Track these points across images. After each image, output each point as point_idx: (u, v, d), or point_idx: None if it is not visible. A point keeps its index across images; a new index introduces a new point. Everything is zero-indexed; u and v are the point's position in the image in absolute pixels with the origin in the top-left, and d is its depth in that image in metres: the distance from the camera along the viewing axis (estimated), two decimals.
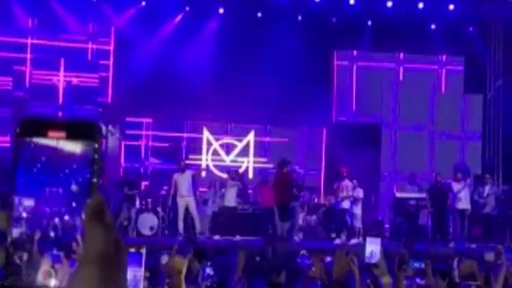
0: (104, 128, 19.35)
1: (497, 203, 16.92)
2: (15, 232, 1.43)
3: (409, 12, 20.12)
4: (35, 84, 18.96)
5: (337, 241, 16.49)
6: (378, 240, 4.03)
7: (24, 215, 1.39)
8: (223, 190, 17.89)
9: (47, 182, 1.38)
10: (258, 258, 13.91)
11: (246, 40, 19.34)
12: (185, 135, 20.61)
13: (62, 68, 18.94)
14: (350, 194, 17.12)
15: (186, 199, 16.07)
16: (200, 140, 20.58)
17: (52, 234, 1.42)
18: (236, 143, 20.70)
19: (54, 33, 19.18)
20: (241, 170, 17.91)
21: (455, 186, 16.73)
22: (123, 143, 19.99)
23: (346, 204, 17.08)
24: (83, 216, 1.33)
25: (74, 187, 1.38)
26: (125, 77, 18.81)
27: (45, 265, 1.34)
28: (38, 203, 1.39)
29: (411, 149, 20.60)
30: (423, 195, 17.57)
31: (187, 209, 16.14)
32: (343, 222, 17.19)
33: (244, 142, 20.70)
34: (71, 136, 1.40)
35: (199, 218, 16.47)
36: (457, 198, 16.54)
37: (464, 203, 16.47)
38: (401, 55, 21.60)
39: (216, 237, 16.51)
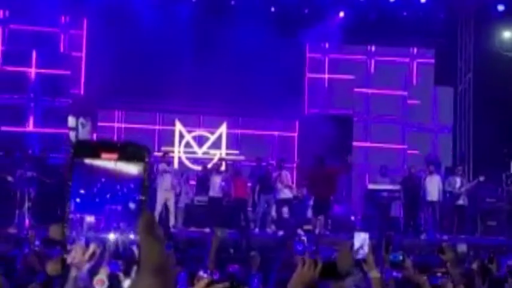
0: (79, 121, 19.27)
1: (469, 195, 17.11)
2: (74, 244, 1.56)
3: (381, 5, 20.25)
4: (6, 76, 18.72)
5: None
6: (366, 235, 4.04)
7: (82, 230, 1.51)
8: (192, 182, 17.94)
9: (101, 200, 1.50)
10: (232, 251, 13.96)
11: (218, 32, 19.30)
12: (157, 127, 20.56)
13: (33, 60, 18.74)
14: (290, 184, 17.13)
15: (168, 193, 16.02)
16: (172, 132, 20.55)
17: (111, 247, 1.52)
18: (208, 135, 20.70)
19: (26, 25, 18.99)
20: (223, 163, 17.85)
21: (427, 179, 16.89)
22: (94, 136, 19.85)
23: (286, 194, 17.02)
24: (138, 231, 1.45)
25: (127, 205, 1.49)
26: (98, 69, 18.66)
27: (100, 275, 1.43)
28: (95, 219, 1.51)
29: (383, 141, 20.77)
30: (395, 187, 17.73)
31: (164, 203, 16.06)
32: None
33: (217, 134, 20.72)
34: (122, 157, 1.51)
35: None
36: (426, 190, 16.72)
37: (433, 195, 16.65)
38: (373, 48, 21.74)
39: (191, 229, 16.49)
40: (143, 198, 1.50)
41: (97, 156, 1.52)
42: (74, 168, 1.53)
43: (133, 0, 19.47)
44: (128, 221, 1.51)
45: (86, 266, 1.44)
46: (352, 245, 3.84)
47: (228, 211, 17.00)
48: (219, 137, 20.76)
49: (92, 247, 1.48)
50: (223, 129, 20.78)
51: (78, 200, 1.50)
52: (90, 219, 1.51)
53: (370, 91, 21.19)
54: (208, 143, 20.69)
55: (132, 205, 1.49)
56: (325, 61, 21.59)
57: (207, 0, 19.93)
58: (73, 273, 1.45)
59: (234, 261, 10.41)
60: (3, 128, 18.05)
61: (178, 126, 20.56)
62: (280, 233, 16.32)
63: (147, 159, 1.52)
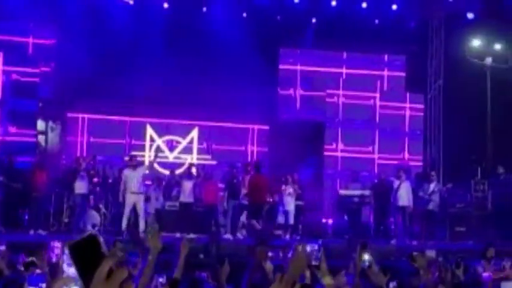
0: (49, 125, 19.04)
1: (440, 200, 17.14)
2: None
3: (353, 12, 20.29)
4: None
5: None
6: (319, 241, 4.01)
7: None
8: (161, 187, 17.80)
9: None
10: (202, 256, 13.84)
11: (190, 37, 19.24)
12: (127, 132, 20.38)
13: (1, 62, 18.45)
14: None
15: (136, 196, 15.74)
16: (143, 136, 20.38)
17: None
18: (180, 140, 20.57)
19: None
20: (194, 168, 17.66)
21: (397, 184, 16.87)
22: (64, 139, 19.65)
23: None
24: None
25: None
26: (67, 72, 18.39)
27: None
28: None
29: (354, 147, 20.81)
30: (366, 192, 17.75)
31: (133, 207, 15.80)
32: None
33: (188, 139, 20.59)
34: None
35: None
36: (397, 195, 16.69)
37: (404, 200, 16.62)
38: (345, 54, 21.77)
39: (161, 234, 16.25)
40: None
41: None
42: None
43: (105, 6, 19.30)
44: None
45: None
46: (306, 249, 3.77)
47: (198, 216, 16.85)
48: (191, 142, 20.64)
49: None
50: (194, 134, 20.65)
51: None
52: None
53: (342, 97, 21.20)
54: (180, 148, 20.56)
55: None
56: (297, 67, 21.56)
57: (179, 7, 19.80)
58: None
59: (203, 267, 10.31)
60: None
61: (149, 131, 20.40)
62: (250, 238, 16.17)
63: None
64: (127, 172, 15.90)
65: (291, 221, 16.95)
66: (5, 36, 18.82)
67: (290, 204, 16.96)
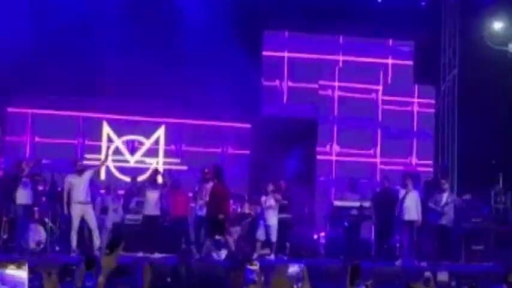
0: None
1: (455, 214, 17.11)
2: None
3: None
4: None
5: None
6: (302, 261, 4.10)
7: None
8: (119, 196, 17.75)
9: None
10: (169, 279, 13.77)
11: (156, 17, 19.19)
12: (80, 129, 20.29)
13: None
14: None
15: (83, 206, 15.63)
16: (99, 136, 20.29)
17: None
18: (143, 140, 20.52)
19: None
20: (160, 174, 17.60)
21: (403, 194, 16.86)
22: (2, 139, 19.55)
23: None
24: None
25: None
26: (5, 60, 18.15)
27: None
28: None
29: (352, 149, 20.85)
30: (366, 204, 17.74)
31: (83, 219, 15.70)
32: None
33: (153, 140, 20.54)
34: None
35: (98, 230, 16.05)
36: (403, 207, 16.67)
37: (412, 214, 16.63)
38: (341, 38, 21.78)
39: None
40: None
41: None
42: None
43: None
44: None
45: None
46: (287, 271, 3.82)
47: (165, 232, 16.79)
48: (156, 143, 20.58)
49: None
50: (160, 133, 20.61)
51: None
52: None
53: (337, 90, 21.24)
54: (143, 150, 20.51)
55: None
56: (284, 53, 21.55)
57: None
58: None
59: None
60: None
61: (106, 129, 20.33)
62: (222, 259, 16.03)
63: None
64: (71, 179, 15.79)
65: (274, 238, 16.83)
66: None
67: (272, 218, 16.82)
